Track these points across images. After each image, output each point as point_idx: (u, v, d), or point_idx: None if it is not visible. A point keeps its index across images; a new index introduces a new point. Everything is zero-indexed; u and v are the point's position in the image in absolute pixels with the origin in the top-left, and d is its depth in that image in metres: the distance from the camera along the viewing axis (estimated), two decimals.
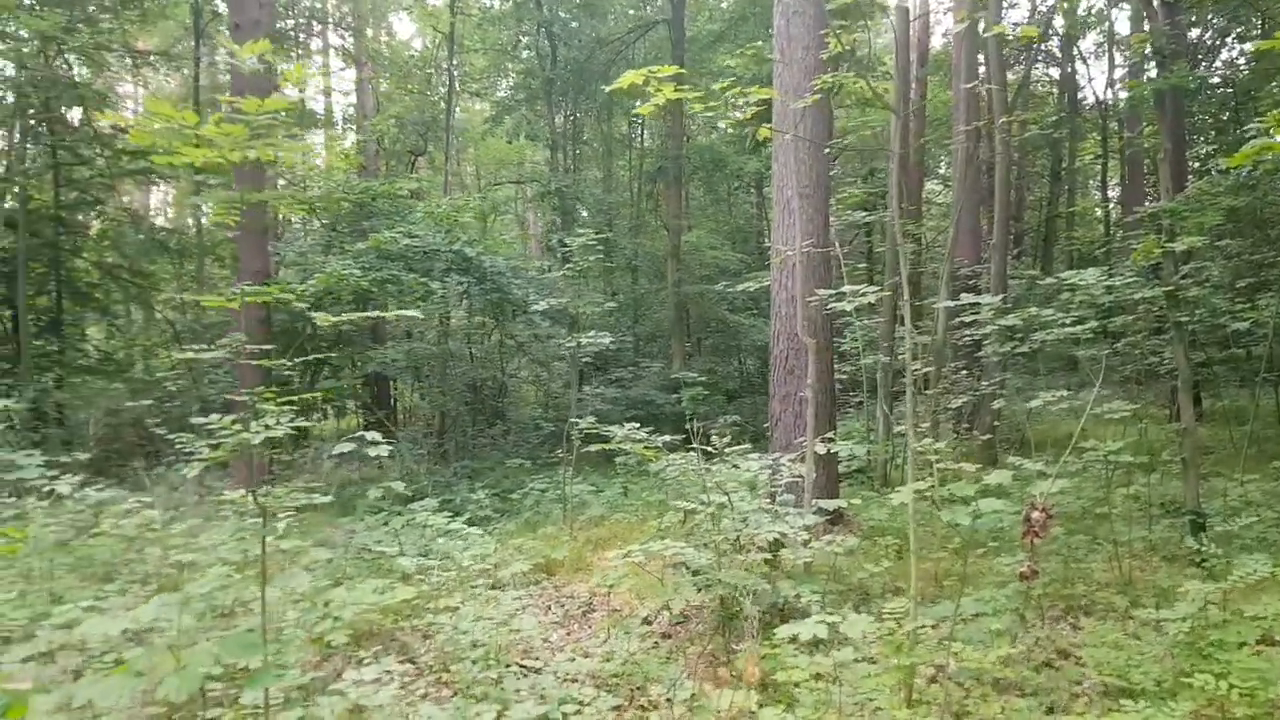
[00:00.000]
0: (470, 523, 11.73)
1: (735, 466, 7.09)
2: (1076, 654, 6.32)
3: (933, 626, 5.83)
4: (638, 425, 7.74)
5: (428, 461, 15.96)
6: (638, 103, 6.07)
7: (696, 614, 7.35)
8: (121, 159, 18.41)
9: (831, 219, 11.29)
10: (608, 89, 5.40)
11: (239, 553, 5.80)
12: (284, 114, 3.53)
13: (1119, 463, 8.10)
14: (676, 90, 5.44)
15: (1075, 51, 27.53)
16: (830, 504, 7.74)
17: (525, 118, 27.37)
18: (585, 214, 26.50)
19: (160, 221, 29.66)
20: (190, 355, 4.23)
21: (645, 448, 7.29)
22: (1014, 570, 7.28)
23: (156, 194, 34.16)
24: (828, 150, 10.83)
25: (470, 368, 20.72)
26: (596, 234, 14.85)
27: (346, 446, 6.25)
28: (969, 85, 14.15)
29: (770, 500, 7.60)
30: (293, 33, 24.88)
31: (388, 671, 5.13)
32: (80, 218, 20.31)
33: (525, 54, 27.59)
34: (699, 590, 6.71)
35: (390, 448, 6.42)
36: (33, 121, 17.49)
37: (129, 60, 20.49)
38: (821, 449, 8.38)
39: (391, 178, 21.67)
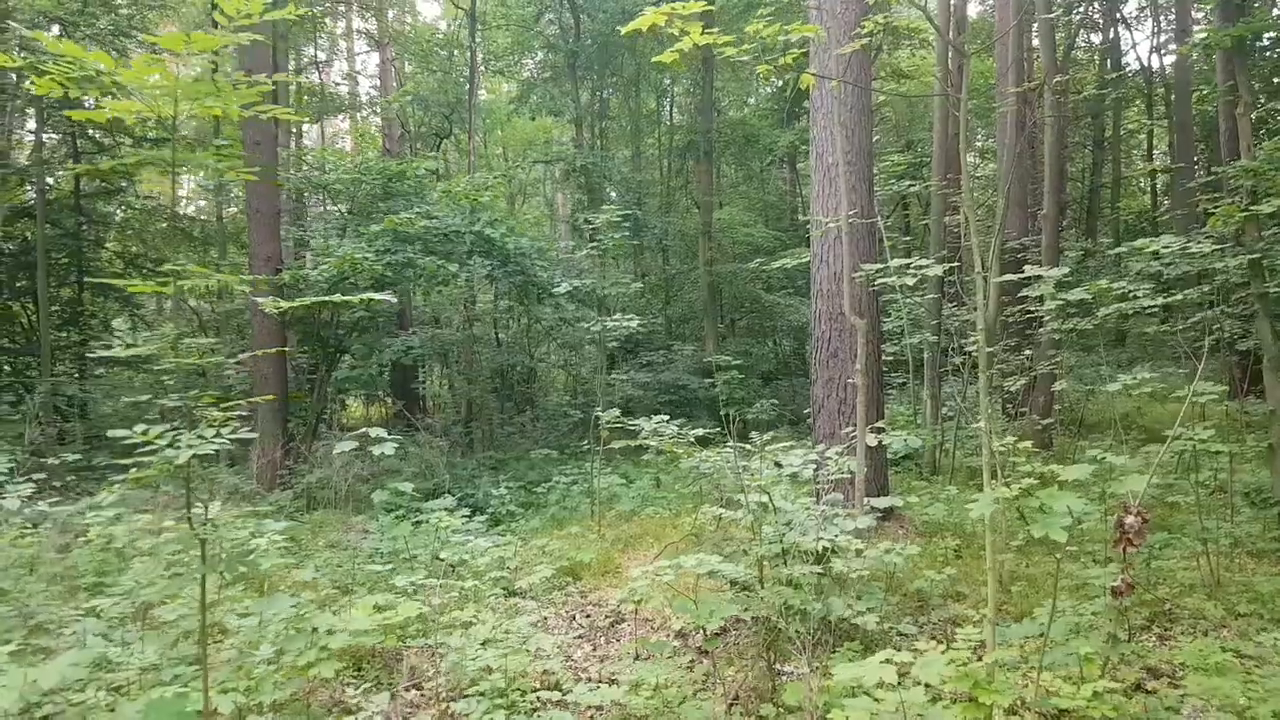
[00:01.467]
0: (494, 521, 11.11)
1: (778, 465, 6.33)
2: (1170, 674, 5.59)
3: (1011, 648, 5.11)
4: (668, 417, 7.03)
5: (449, 453, 15.31)
6: (667, 79, 5.32)
7: (736, 626, 6.65)
8: (143, 147, 17.89)
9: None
10: (623, 30, 4.65)
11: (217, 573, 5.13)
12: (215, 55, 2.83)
13: (1200, 450, 7.28)
14: (705, 34, 4.72)
15: (1118, 15, 26.62)
16: (882, 502, 7.07)
17: (550, 94, 26.66)
18: (613, 194, 25.78)
19: (189, 211, 29.31)
20: (112, 353, 3.54)
21: (675, 444, 6.54)
22: (1094, 575, 6.52)
23: (183, 183, 33.79)
24: (878, 103, 10.08)
25: (497, 353, 20.12)
26: (622, 211, 14.08)
27: (349, 445, 5.58)
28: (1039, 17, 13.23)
29: (815, 499, 6.91)
30: (316, 14, 24.13)
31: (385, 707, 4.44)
32: (108, 207, 20.16)
33: (550, 29, 26.82)
34: (737, 603, 6.00)
35: (395, 445, 5.76)
36: (63, 111, 17.04)
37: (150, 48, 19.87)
38: (872, 440, 7.64)
39: (412, 158, 21.04)
